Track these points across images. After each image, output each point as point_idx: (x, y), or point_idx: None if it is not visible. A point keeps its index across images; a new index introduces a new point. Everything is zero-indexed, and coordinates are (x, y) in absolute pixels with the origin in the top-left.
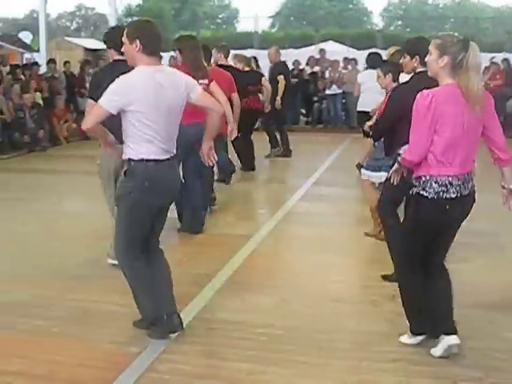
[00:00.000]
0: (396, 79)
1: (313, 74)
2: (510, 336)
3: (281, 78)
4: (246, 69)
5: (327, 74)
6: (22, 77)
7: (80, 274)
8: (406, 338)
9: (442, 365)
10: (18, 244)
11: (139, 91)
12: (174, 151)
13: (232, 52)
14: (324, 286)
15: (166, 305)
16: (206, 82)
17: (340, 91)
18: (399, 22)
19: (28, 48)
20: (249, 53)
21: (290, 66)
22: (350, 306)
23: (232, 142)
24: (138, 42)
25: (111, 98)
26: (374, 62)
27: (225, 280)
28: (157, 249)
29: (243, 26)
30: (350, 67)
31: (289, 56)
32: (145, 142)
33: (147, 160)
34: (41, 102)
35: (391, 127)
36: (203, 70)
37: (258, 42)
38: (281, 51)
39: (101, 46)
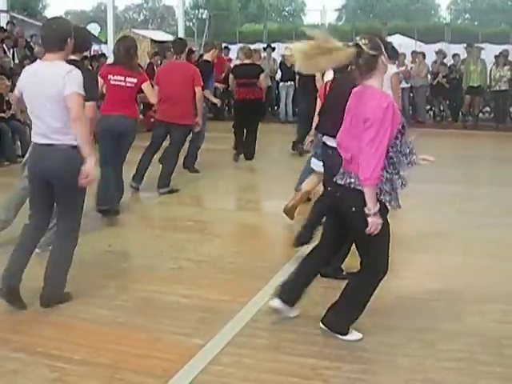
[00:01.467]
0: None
1: None
2: None
3: None
4: (246, 61)
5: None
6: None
7: (145, 264)
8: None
9: (508, 366)
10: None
11: (23, 80)
12: (60, 138)
13: None
14: None
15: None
16: (134, 80)
17: (408, 85)
18: (467, 16)
19: (96, 40)
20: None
21: None
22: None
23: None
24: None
25: (17, 83)
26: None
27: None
28: (44, 225)
29: (310, 18)
30: (417, 61)
31: None
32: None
33: (32, 141)
34: None
35: None
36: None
37: (326, 34)
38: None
39: (168, 37)
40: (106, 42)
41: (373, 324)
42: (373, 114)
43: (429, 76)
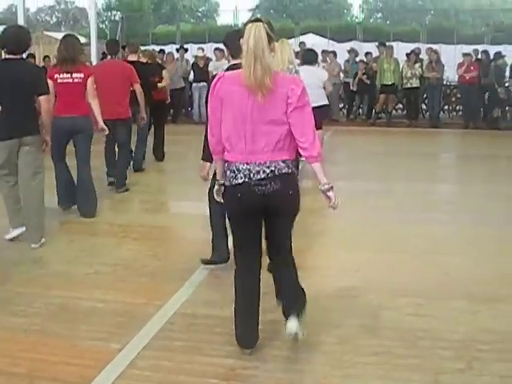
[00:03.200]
0: None
1: None
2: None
3: None
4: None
5: None
6: None
7: (61, 269)
8: None
9: (424, 357)
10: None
11: None
12: None
13: (213, 46)
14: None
15: None
16: (80, 75)
17: None
18: (379, 15)
19: None
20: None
21: None
22: (332, 300)
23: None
24: None
25: None
26: (309, 57)
27: (206, 274)
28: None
29: (223, 19)
30: (328, 60)
31: None
32: None
33: None
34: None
35: None
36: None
37: None
38: None
39: (81, 40)
40: None
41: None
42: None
43: (341, 74)
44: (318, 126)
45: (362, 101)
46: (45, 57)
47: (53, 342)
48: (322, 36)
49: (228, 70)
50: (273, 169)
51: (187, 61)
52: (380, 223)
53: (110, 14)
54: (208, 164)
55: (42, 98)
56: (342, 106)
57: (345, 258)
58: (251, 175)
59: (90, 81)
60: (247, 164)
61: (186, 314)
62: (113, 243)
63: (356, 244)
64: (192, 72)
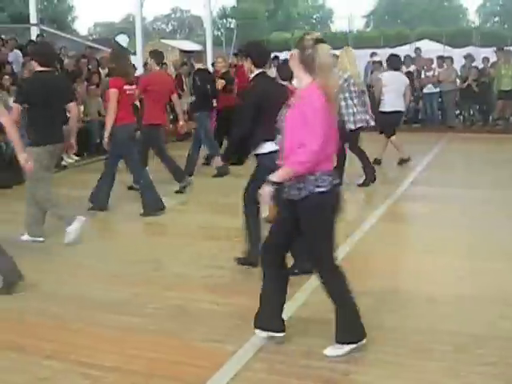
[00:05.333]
0: None
1: (408, 73)
2: None
3: None
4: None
5: (423, 74)
6: None
7: (177, 272)
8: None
9: None
10: (119, 242)
11: None
12: None
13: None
14: (423, 287)
15: None
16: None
17: (436, 90)
18: (496, 19)
19: (125, 51)
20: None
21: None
22: (447, 306)
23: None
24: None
25: None
26: (395, 63)
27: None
28: None
29: (338, 25)
30: (445, 65)
31: (384, 55)
32: None
33: None
34: (137, 103)
35: None
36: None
37: (353, 41)
38: (376, 51)
39: (196, 47)
40: (134, 53)
41: (404, 327)
42: None
43: (458, 80)
44: (390, 132)
45: (470, 107)
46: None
47: (169, 342)
48: (437, 41)
49: (257, 77)
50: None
51: None
52: (493, 231)
53: (225, 21)
54: None
55: (72, 104)
56: (458, 112)
57: (459, 266)
58: (334, 182)
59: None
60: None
61: (301, 317)
62: (228, 247)
63: (471, 253)
64: None
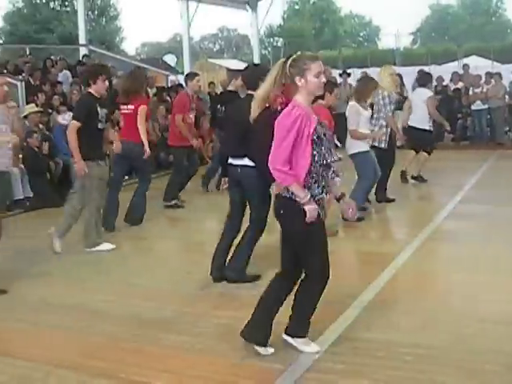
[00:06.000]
0: None
1: (456, 90)
2: None
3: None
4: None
5: (471, 90)
6: (168, 98)
7: (225, 290)
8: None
9: None
10: (168, 262)
11: None
12: None
13: (375, 70)
14: (473, 306)
15: None
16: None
17: (485, 107)
18: None
19: (173, 70)
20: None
21: (434, 83)
22: (500, 326)
23: None
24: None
25: None
26: (422, 80)
27: (370, 298)
28: None
29: (384, 43)
30: (493, 82)
31: (431, 72)
32: None
33: None
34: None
35: None
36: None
37: (401, 58)
38: (423, 68)
39: (243, 66)
40: (182, 73)
41: (455, 348)
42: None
43: (506, 97)
44: (418, 149)
45: None
46: (210, 83)
47: (218, 361)
48: (485, 57)
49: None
50: None
51: (350, 85)
52: None
53: (272, 40)
54: None
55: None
56: (507, 129)
57: (509, 284)
58: None
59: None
60: None
61: (349, 337)
62: (276, 265)
63: None
64: None
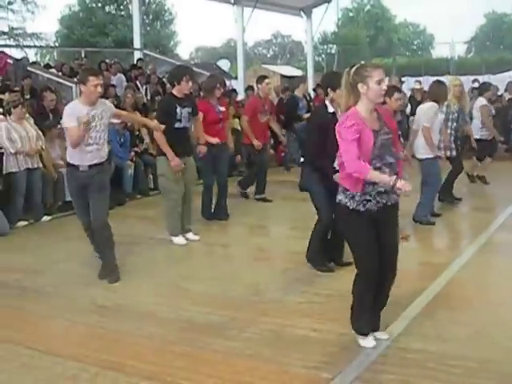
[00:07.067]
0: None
1: (510, 100)
2: None
3: None
4: None
5: None
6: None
7: (274, 297)
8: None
9: None
10: (219, 266)
11: None
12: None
13: (429, 79)
14: None
15: None
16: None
17: None
18: None
19: (226, 75)
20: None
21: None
22: None
23: None
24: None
25: None
26: (482, 89)
27: (421, 308)
28: None
29: (439, 51)
30: None
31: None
32: None
33: None
34: (239, 127)
35: None
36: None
37: (455, 68)
38: (477, 77)
39: (297, 73)
40: (236, 78)
41: (505, 361)
42: None
43: None
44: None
45: None
46: None
47: (266, 367)
48: None
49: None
50: None
51: (404, 94)
52: None
53: (326, 47)
54: None
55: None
56: None
57: None
58: None
59: None
60: None
61: (399, 347)
62: (326, 273)
63: None
64: (409, 105)
